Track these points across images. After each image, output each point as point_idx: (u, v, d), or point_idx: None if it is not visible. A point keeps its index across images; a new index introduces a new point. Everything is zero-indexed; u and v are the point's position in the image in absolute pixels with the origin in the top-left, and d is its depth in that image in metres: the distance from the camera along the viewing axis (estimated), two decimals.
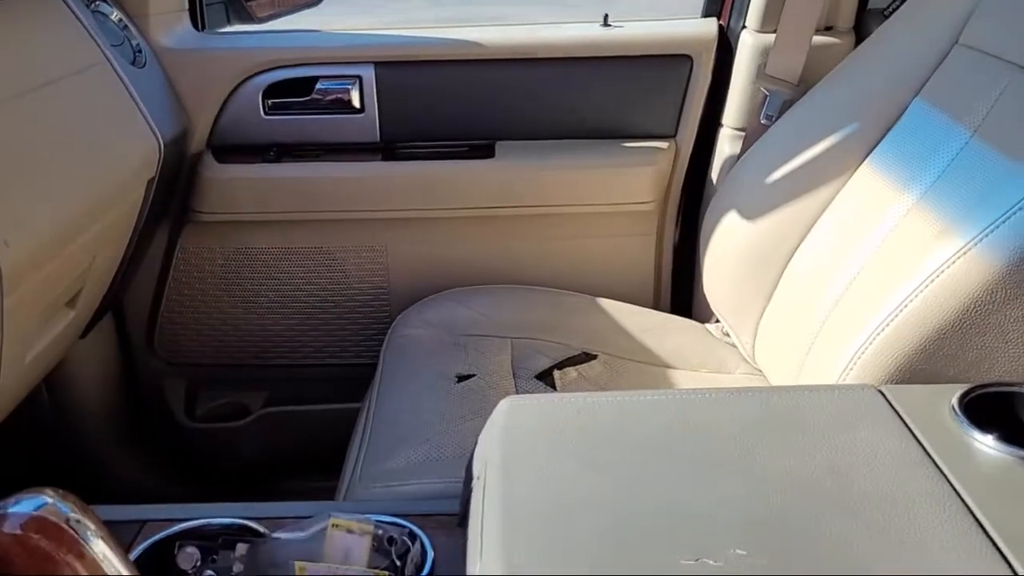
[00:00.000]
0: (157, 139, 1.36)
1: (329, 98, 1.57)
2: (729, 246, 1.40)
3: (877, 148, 1.25)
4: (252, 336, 1.69)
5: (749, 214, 1.37)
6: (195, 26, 1.59)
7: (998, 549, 0.59)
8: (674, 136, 1.60)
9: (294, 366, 1.71)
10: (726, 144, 1.56)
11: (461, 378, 1.28)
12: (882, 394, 0.78)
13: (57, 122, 1.14)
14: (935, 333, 0.89)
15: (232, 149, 1.58)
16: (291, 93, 1.56)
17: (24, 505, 0.60)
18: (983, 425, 0.72)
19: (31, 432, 1.61)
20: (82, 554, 0.60)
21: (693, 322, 1.53)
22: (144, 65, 1.42)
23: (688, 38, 1.56)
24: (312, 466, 1.64)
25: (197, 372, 1.71)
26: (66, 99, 1.18)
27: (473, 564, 0.65)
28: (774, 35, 1.46)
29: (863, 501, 0.64)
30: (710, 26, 1.56)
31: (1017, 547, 0.59)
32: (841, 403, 0.76)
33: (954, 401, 0.75)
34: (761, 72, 1.48)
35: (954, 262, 0.89)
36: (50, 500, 0.61)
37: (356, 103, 1.57)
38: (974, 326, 0.87)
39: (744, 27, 1.53)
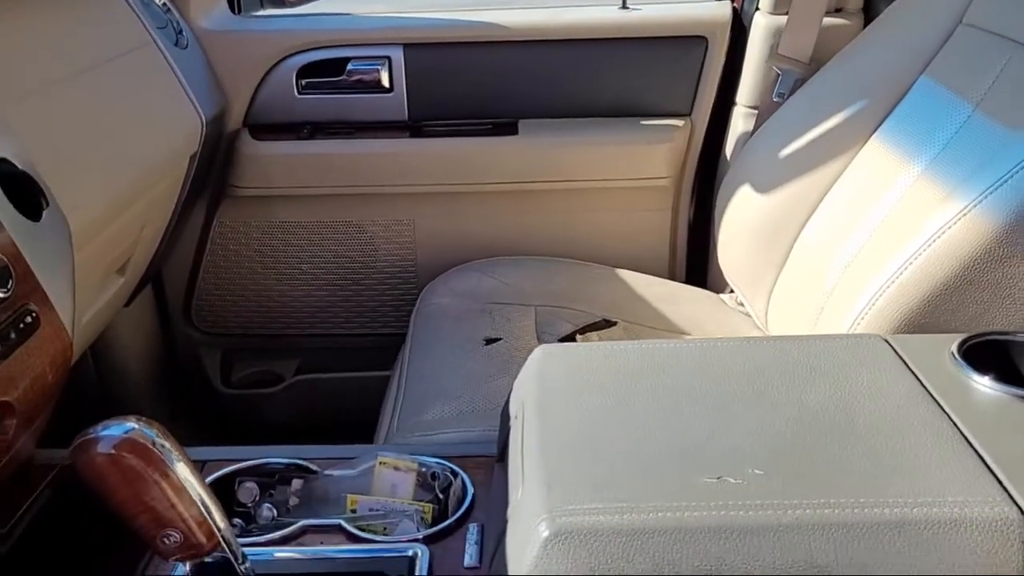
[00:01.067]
0: (200, 116, 1.43)
1: (360, 78, 1.63)
2: (742, 219, 1.45)
3: (884, 123, 1.30)
4: (284, 307, 1.75)
5: (762, 188, 1.42)
6: (232, 9, 1.65)
7: (990, 470, 0.65)
8: (689, 114, 1.65)
9: (325, 335, 1.78)
10: (740, 121, 1.61)
11: (489, 341, 1.34)
12: (887, 342, 0.84)
13: (111, 99, 1.20)
14: (936, 289, 0.95)
15: (267, 127, 1.64)
16: (323, 73, 1.63)
17: (114, 429, 0.67)
18: (981, 369, 0.78)
19: (76, 396, 1.68)
20: (167, 474, 0.67)
21: (708, 292, 1.59)
22: (186, 47, 1.48)
23: (703, 20, 1.61)
24: (343, 432, 1.71)
25: (232, 341, 1.78)
26: (119, 77, 1.24)
27: (515, 491, 0.71)
28: (786, 17, 1.52)
29: (867, 430, 0.70)
30: (724, 8, 1.62)
31: (1008, 468, 0.65)
32: (848, 350, 0.82)
33: (953, 348, 0.81)
34: (773, 52, 1.53)
35: (954, 224, 0.95)
36: (136, 425, 0.68)
37: (385, 83, 1.63)
38: (973, 282, 0.93)
39: (757, 9, 1.58)
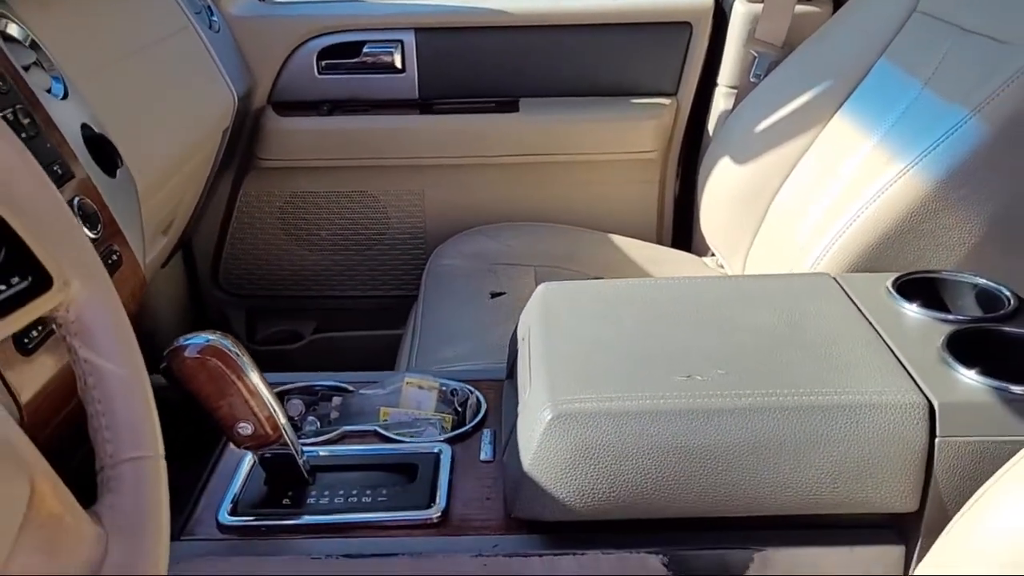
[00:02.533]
0: (232, 94, 1.57)
1: (374, 60, 1.78)
2: (722, 188, 1.60)
3: (847, 101, 1.45)
4: (304, 270, 1.90)
5: (740, 160, 1.57)
6: None
7: (907, 371, 0.80)
8: (675, 94, 1.80)
9: (341, 297, 1.92)
10: (721, 100, 1.76)
11: (494, 295, 1.49)
12: (834, 279, 0.99)
13: (161, 76, 1.35)
14: (880, 238, 1.10)
15: (290, 104, 1.79)
16: (341, 55, 1.77)
17: (197, 339, 0.82)
18: (910, 299, 0.93)
19: None
20: (241, 375, 0.82)
21: (692, 255, 1.74)
22: (218, 31, 1.62)
23: (688, 7, 1.76)
24: None
25: (256, 302, 1.93)
26: (165, 57, 1.39)
27: (523, 392, 0.86)
28: (762, 5, 1.66)
29: (810, 343, 0.85)
30: None
31: (920, 370, 0.80)
32: (800, 284, 0.98)
33: (888, 283, 0.96)
34: (751, 37, 1.68)
35: (895, 182, 1.10)
36: (215, 337, 0.83)
37: (398, 64, 1.78)
38: (911, 232, 1.09)
39: None
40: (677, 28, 1.77)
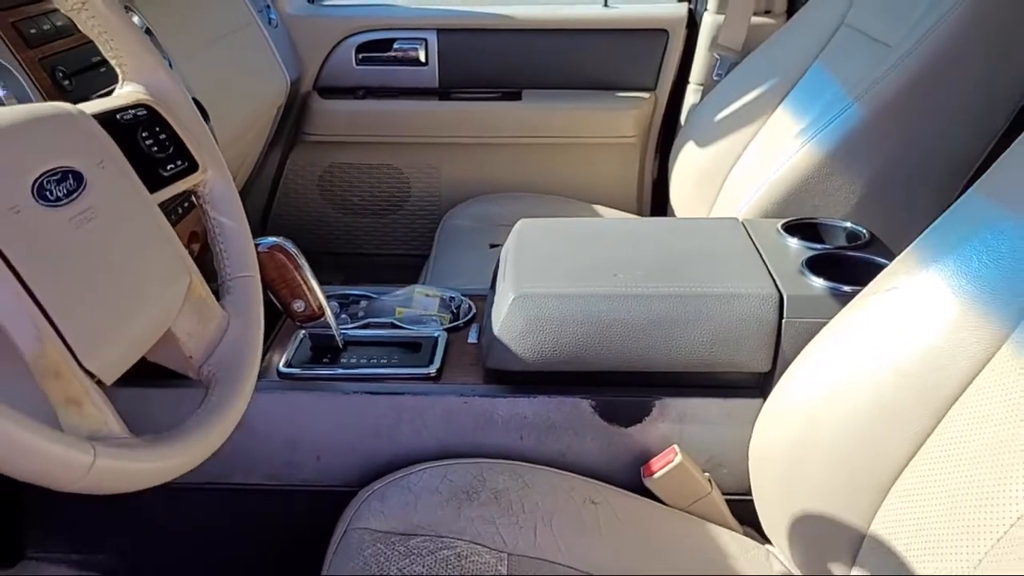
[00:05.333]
0: (286, 78, 1.90)
1: (402, 54, 2.10)
2: (688, 168, 1.90)
3: (787, 96, 1.74)
4: (337, 230, 2.22)
5: (703, 144, 1.87)
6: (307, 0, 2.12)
7: (771, 275, 1.10)
8: (654, 89, 2.11)
9: (367, 254, 2.24)
10: (691, 95, 2.06)
11: (492, 246, 1.80)
12: (740, 223, 1.29)
13: (234, 60, 1.67)
14: (784, 196, 1.40)
15: (331, 89, 2.11)
16: (375, 50, 2.09)
17: (267, 240, 1.13)
18: (793, 236, 1.23)
19: None
20: (298, 266, 1.13)
21: None
22: (276, 26, 1.95)
23: (666, 17, 2.06)
24: None
25: None
26: (236, 45, 1.71)
27: (498, 286, 1.17)
28: (724, 16, 1.96)
29: (709, 257, 1.15)
30: (682, 8, 2.07)
31: (779, 275, 1.10)
32: (715, 224, 1.28)
33: (779, 226, 1.26)
34: (715, 43, 1.98)
35: (797, 152, 1.40)
36: (279, 239, 1.14)
37: (422, 58, 2.09)
38: (807, 191, 1.39)
39: (706, 9, 2.03)
40: (656, 34, 2.07)
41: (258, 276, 0.84)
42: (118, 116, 0.76)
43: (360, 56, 2.10)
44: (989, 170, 0.90)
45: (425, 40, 2.08)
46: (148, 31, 1.34)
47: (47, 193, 0.63)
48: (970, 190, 0.91)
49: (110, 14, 0.77)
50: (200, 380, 0.76)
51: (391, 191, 2.18)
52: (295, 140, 2.13)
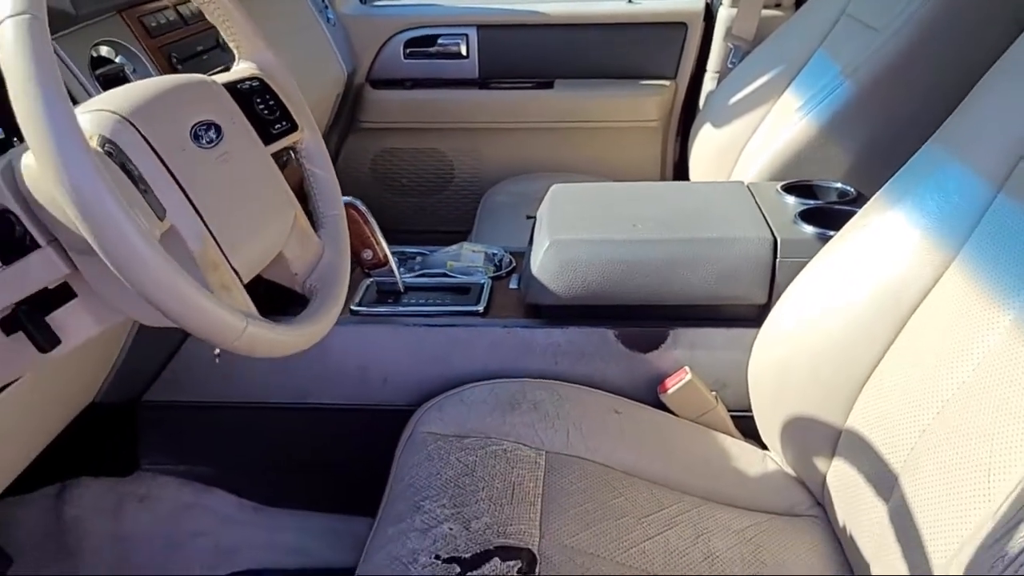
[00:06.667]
0: (344, 70, 2.10)
1: (446, 48, 2.30)
2: (706, 148, 2.08)
3: (794, 80, 1.91)
4: (387, 209, 2.42)
5: (719, 125, 2.04)
6: (361, 1, 2.32)
7: (768, 224, 1.28)
8: (674, 77, 2.28)
9: (413, 231, 2.44)
10: (708, 81, 2.24)
11: (529, 217, 1.98)
12: (746, 186, 1.47)
13: (300, 53, 1.88)
14: (784, 164, 1.58)
15: (382, 81, 2.32)
16: (422, 45, 2.29)
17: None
18: (790, 194, 1.41)
19: None
20: (368, 222, 1.33)
21: None
22: (335, 25, 2.16)
23: (685, 11, 2.24)
24: None
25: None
26: (301, 41, 1.92)
27: (536, 237, 1.35)
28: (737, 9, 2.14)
29: (714, 214, 1.33)
30: (699, 3, 2.25)
31: (775, 223, 1.27)
32: (723, 187, 1.46)
33: (779, 187, 1.44)
34: (729, 33, 2.15)
35: (797, 124, 1.58)
36: (351, 199, 1.33)
37: (463, 52, 2.29)
38: (805, 159, 1.56)
39: (721, 4, 2.20)
40: (676, 27, 2.25)
41: (344, 215, 1.04)
42: (238, 86, 0.96)
43: (408, 51, 2.30)
44: (943, 125, 1.07)
45: (466, 35, 2.28)
46: None
47: (199, 138, 0.83)
48: (928, 142, 1.08)
49: (231, 6, 0.97)
50: (303, 292, 0.96)
51: (436, 172, 2.38)
52: (350, 127, 2.34)
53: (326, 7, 2.16)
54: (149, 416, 1.36)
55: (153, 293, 0.68)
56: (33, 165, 0.70)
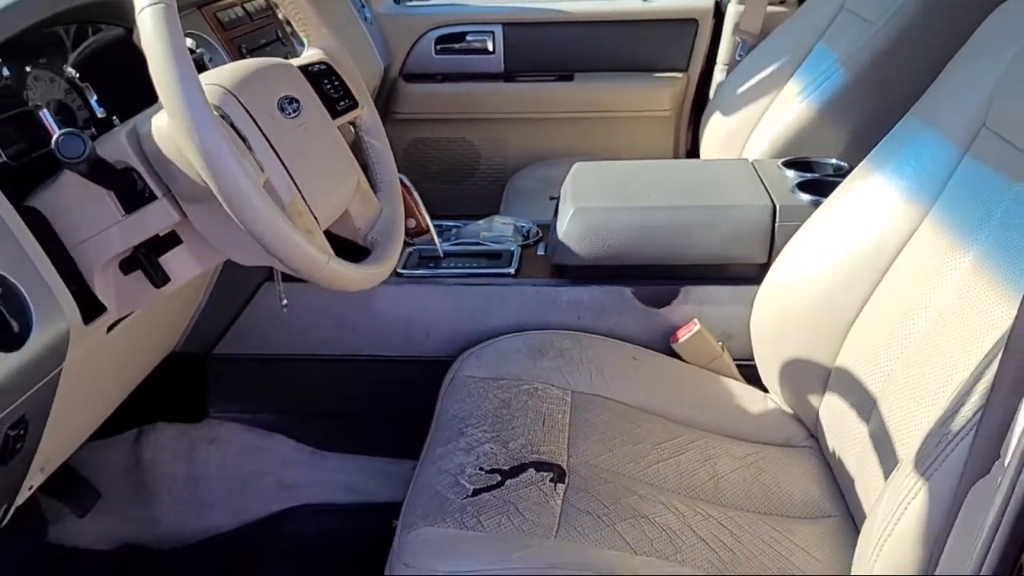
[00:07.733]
0: (380, 64, 2.25)
1: (473, 44, 2.45)
2: (716, 135, 2.21)
3: (797, 71, 2.04)
4: (420, 192, 2.55)
5: (728, 114, 2.18)
6: (395, 1, 2.48)
7: (768, 194, 1.42)
8: (686, 70, 2.43)
9: (442, 215, 2.58)
10: (718, 73, 2.38)
11: (551, 198, 2.13)
12: (751, 163, 1.61)
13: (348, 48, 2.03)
14: (785, 144, 1.72)
15: (415, 75, 2.47)
16: (451, 41, 2.44)
17: None
18: (788, 169, 1.54)
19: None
20: (411, 194, 1.48)
21: None
22: (371, 23, 2.31)
23: (695, 8, 2.38)
24: None
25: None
26: (343, 38, 2.06)
27: (561, 207, 1.50)
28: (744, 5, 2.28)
29: (719, 184, 1.47)
30: (709, 0, 2.39)
31: (775, 191, 1.41)
32: (730, 163, 1.60)
33: (779, 163, 1.58)
34: (737, 28, 2.29)
35: (796, 108, 1.72)
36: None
37: (490, 48, 2.44)
38: (804, 139, 1.70)
39: (729, 1, 2.34)
40: (688, 23, 2.39)
41: (398, 181, 1.19)
42: (309, 68, 1.11)
43: (438, 47, 2.45)
44: (919, 99, 1.21)
45: (492, 32, 2.43)
46: (286, 21, 1.70)
47: (284, 110, 0.98)
48: (906, 115, 1.22)
49: (304, 2, 1.12)
50: (365, 245, 1.11)
51: (464, 160, 2.53)
52: (384, 118, 2.49)
53: (363, 6, 2.32)
54: (217, 368, 1.52)
55: (259, 229, 0.83)
56: (164, 126, 0.85)
